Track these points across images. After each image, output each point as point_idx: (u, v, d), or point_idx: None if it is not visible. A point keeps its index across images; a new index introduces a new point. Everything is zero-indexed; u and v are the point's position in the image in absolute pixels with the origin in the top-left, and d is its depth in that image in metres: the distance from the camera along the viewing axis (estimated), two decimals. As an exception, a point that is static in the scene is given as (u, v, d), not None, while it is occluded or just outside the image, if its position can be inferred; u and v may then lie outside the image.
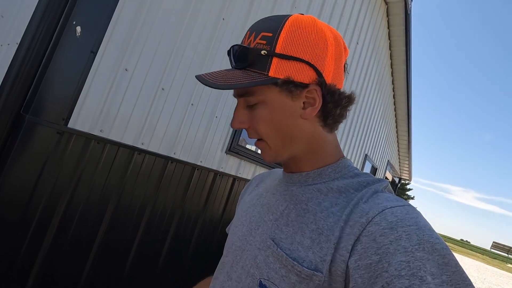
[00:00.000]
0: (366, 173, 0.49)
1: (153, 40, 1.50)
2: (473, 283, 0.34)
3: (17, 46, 1.18)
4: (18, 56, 1.13)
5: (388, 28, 4.48)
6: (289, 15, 0.45)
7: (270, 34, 0.43)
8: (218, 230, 2.26)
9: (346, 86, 1.94)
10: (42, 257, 1.29)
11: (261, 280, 0.43)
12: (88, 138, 1.33)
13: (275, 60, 0.42)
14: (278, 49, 0.42)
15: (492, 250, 32.37)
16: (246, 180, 2.41)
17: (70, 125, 1.26)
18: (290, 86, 0.43)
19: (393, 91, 5.97)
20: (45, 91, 1.18)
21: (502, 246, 31.04)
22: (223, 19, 1.84)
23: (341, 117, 0.49)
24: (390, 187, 0.47)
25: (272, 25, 0.44)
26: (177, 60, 1.64)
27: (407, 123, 7.02)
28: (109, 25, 1.29)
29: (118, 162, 1.50)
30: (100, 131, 1.38)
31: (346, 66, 0.50)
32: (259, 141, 0.49)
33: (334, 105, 0.46)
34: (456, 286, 0.31)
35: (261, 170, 2.58)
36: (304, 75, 0.43)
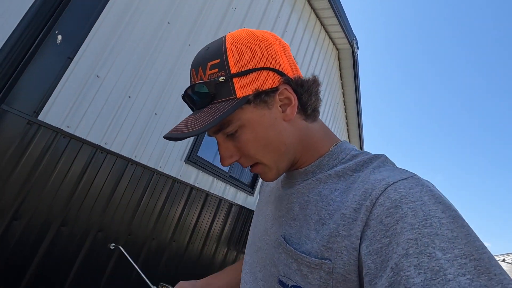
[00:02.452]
0: (364, 152, 0.48)
1: (126, 54, 1.75)
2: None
3: (2, 45, 1.36)
4: (2, 53, 1.31)
5: (340, 70, 5.16)
6: (223, 37, 0.45)
7: (218, 61, 0.42)
8: (173, 238, 2.36)
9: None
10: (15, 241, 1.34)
11: (280, 277, 0.44)
12: (55, 131, 1.48)
13: (236, 80, 0.42)
14: (233, 70, 0.42)
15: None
16: (203, 191, 2.58)
17: (40, 117, 1.42)
18: (262, 96, 0.43)
19: (348, 132, 6.63)
20: (22, 86, 1.35)
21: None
22: (189, 45, 2.16)
23: (317, 102, 0.48)
24: (390, 159, 0.46)
25: (214, 52, 0.43)
26: (145, 73, 1.89)
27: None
28: (88, 36, 1.53)
29: (80, 157, 1.63)
30: (67, 126, 1.54)
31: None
32: (255, 166, 0.47)
33: (308, 94, 0.46)
34: (471, 257, 0.29)
35: (218, 183, 2.78)
36: (269, 80, 0.43)
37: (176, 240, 2.41)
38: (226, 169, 2.85)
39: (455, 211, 0.33)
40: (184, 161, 2.32)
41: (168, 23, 1.97)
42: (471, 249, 0.29)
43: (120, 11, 1.68)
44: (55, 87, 1.46)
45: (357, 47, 4.77)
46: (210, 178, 2.67)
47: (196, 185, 2.50)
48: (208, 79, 0.43)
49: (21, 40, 1.33)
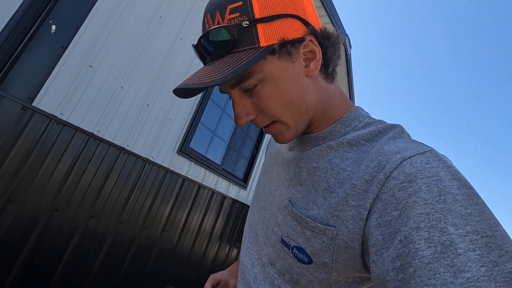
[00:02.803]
0: (378, 121, 0.46)
1: (119, 45, 1.81)
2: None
3: (-3, 34, 1.42)
4: (-2, 41, 1.36)
5: (333, 69, 5.25)
6: None
7: (240, 3, 0.38)
8: (165, 228, 2.41)
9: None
10: (-13, 222, 1.39)
11: (282, 237, 0.45)
12: (48, 117, 1.54)
13: (260, 27, 0.37)
14: (257, 15, 0.37)
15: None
16: (195, 183, 2.64)
17: (34, 104, 1.47)
18: (288, 47, 0.39)
19: None
20: (17, 73, 1.40)
21: None
22: (181, 39, 2.22)
23: (338, 59, 0.46)
24: (406, 131, 0.44)
25: None
26: (137, 65, 1.95)
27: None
28: (82, 26, 1.59)
29: (73, 145, 1.69)
30: (61, 114, 1.60)
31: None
32: (272, 125, 0.44)
33: (333, 48, 0.43)
34: (483, 234, 0.28)
35: (210, 175, 2.83)
36: (295, 30, 0.39)
37: (168, 231, 2.46)
38: (218, 161, 2.91)
39: (471, 188, 0.32)
40: (177, 152, 2.38)
41: (160, 17, 2.04)
42: (484, 226, 0.29)
43: (113, 3, 1.74)
44: (49, 75, 1.52)
45: (350, 46, 4.86)
46: (203, 170, 2.72)
47: (189, 177, 2.56)
48: (228, 24, 0.38)
49: (17, 29, 1.39)
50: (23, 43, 1.40)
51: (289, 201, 0.46)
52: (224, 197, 3.07)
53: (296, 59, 0.41)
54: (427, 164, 0.34)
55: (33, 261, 1.60)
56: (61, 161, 1.64)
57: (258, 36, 0.37)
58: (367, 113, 0.49)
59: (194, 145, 2.56)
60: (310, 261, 0.41)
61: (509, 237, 0.29)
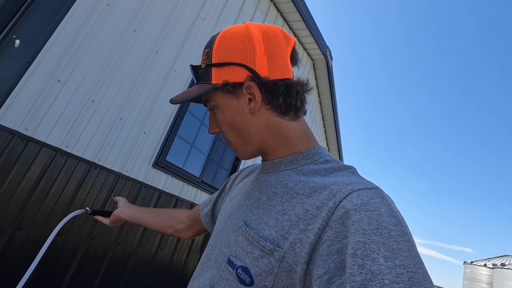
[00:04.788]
0: (336, 160, 0.52)
1: (89, 59, 1.79)
2: None
3: (-44, 48, 1.38)
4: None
5: (316, 79, 5.34)
6: (224, 28, 0.54)
7: (208, 50, 0.52)
8: (141, 243, 2.35)
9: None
10: None
11: (230, 256, 0.47)
12: (11, 133, 1.49)
13: (213, 69, 0.50)
14: (214, 60, 0.50)
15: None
16: (172, 196, 2.60)
17: (-5, 119, 1.43)
18: (228, 87, 0.50)
19: (326, 140, 6.79)
20: (-24, 88, 1.36)
21: (440, 290, 32.85)
22: (156, 52, 2.22)
23: (291, 105, 0.51)
24: (357, 172, 0.49)
25: (210, 41, 0.53)
26: (109, 78, 1.93)
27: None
28: (49, 40, 1.56)
29: (39, 161, 1.64)
30: (25, 129, 1.55)
31: (294, 53, 0.56)
32: (229, 143, 0.56)
33: (272, 95, 0.50)
34: (408, 269, 0.32)
35: (189, 188, 2.80)
36: (237, 75, 0.49)
37: (144, 246, 2.40)
38: (197, 174, 2.88)
39: (405, 227, 0.36)
40: (152, 165, 2.34)
41: (134, 30, 2.03)
42: (410, 262, 0.33)
43: (83, 16, 1.72)
44: (12, 90, 1.48)
45: (331, 58, 4.96)
46: (181, 183, 2.69)
47: (166, 190, 2.52)
48: (202, 62, 0.54)
49: (-23, 44, 1.36)
50: (-17, 58, 1.37)
51: (244, 222, 0.49)
52: (203, 210, 3.03)
53: (240, 97, 0.50)
54: (372, 199, 0.38)
55: (-7, 284, 1.53)
56: (26, 177, 1.59)
57: (211, 76, 0.51)
58: (328, 153, 0.55)
59: (171, 158, 2.53)
60: (251, 283, 0.42)
61: (428, 275, 0.33)
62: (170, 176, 2.55)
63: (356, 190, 0.39)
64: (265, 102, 0.51)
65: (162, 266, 2.63)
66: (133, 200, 2.22)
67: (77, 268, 1.92)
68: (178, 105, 2.48)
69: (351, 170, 0.48)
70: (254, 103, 0.50)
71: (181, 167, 2.66)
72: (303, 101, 0.54)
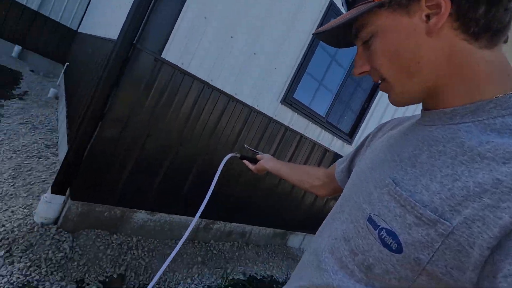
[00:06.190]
0: None
1: (228, -6, 1.83)
2: None
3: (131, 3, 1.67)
4: (132, 9, 1.61)
5: None
6: None
7: None
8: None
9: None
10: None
11: (371, 214, 0.40)
12: (173, 67, 1.79)
13: None
14: None
15: None
16: (297, 133, 2.66)
17: (162, 55, 1.73)
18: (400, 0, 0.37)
19: None
20: (149, 27, 1.65)
21: None
22: (292, -22, 2.04)
23: (494, 21, 0.35)
24: None
25: None
26: (246, 11, 1.95)
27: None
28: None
29: (191, 93, 1.94)
30: (182, 64, 1.83)
31: None
32: (381, 84, 0.43)
33: (468, 2, 0.34)
34: None
35: (313, 127, 2.78)
36: None
37: (269, 175, 2.66)
38: (323, 113, 2.80)
39: None
40: (280, 101, 2.41)
41: (271, -45, 1.90)
42: None
43: None
44: (172, 29, 1.72)
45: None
46: (306, 121, 2.70)
47: (291, 127, 2.59)
48: None
49: (148, -12, 1.59)
50: (150, 7, 1.60)
51: (393, 180, 0.40)
52: (326, 150, 3.01)
53: (415, 13, 0.37)
54: None
55: (168, 177, 2.07)
56: (183, 107, 1.93)
57: None
58: None
59: (298, 95, 2.52)
60: (399, 250, 0.36)
61: None
62: (296, 113, 2.58)
63: None
64: (453, 16, 0.35)
65: (284, 194, 2.90)
66: (261, 134, 2.41)
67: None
68: (309, 39, 2.32)
69: None
70: (436, 18, 0.35)
71: (307, 105, 2.63)
72: (511, 19, 0.36)
